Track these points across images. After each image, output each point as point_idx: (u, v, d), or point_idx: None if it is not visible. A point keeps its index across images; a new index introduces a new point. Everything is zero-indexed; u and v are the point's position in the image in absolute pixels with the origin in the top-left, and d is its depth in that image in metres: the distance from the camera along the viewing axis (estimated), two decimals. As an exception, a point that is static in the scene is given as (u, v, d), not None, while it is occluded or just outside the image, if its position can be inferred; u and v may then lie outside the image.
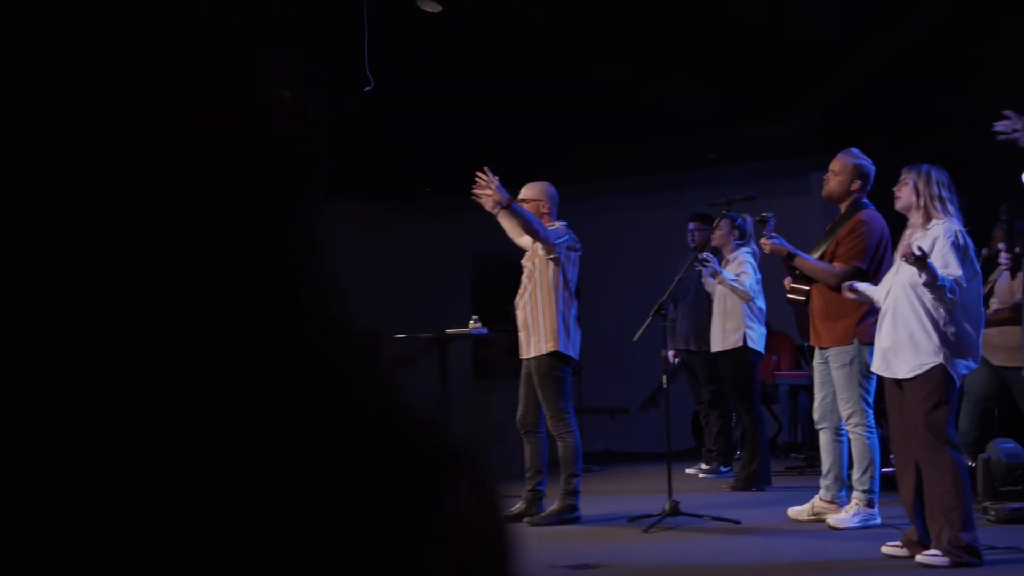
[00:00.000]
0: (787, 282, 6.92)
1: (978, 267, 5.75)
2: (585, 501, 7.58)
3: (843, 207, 6.73)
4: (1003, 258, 5.31)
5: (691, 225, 9.55)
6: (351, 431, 0.71)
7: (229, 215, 0.72)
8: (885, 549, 5.85)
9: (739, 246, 8.79)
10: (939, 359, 5.55)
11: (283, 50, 0.82)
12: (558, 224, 7.34)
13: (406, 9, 8.35)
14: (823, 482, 6.97)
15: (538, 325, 7.17)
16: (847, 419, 6.65)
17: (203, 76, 0.73)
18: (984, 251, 6.93)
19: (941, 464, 5.53)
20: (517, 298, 7.35)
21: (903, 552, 5.77)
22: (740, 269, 8.64)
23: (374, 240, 14.20)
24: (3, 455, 0.62)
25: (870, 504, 6.64)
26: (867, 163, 6.74)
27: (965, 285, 5.52)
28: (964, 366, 5.66)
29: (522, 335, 7.30)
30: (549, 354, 7.16)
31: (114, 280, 0.65)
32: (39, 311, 0.64)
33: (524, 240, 7.36)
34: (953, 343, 5.58)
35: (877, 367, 5.79)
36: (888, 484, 6.70)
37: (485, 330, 7.94)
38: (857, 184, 6.68)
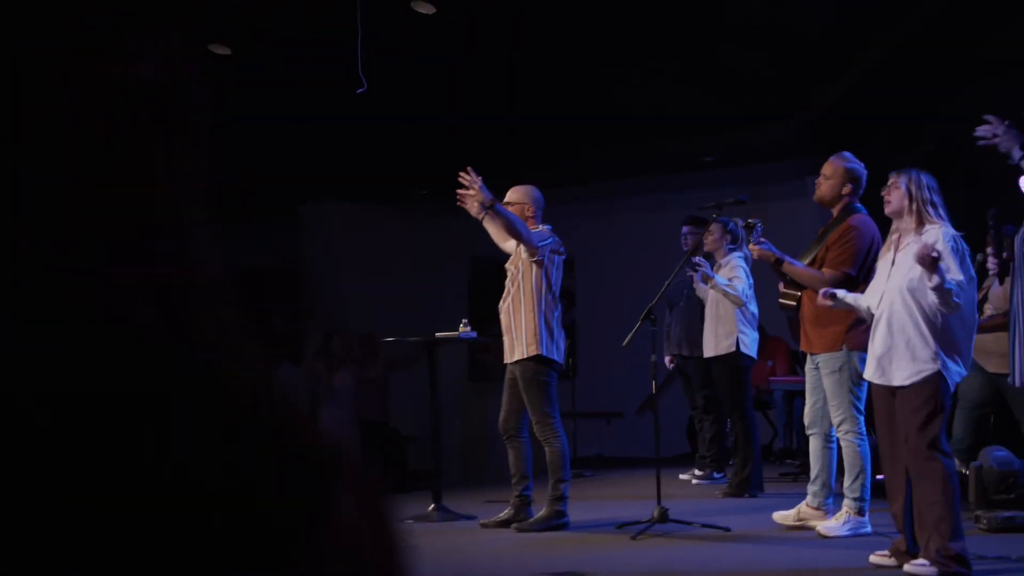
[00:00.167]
0: (781, 286, 6.86)
1: (973, 272, 5.69)
2: (575, 507, 7.53)
3: (835, 211, 6.66)
4: (991, 263, 5.26)
5: (684, 228, 9.50)
6: (220, 445, 0.68)
7: (87, 208, 0.69)
8: (873, 559, 5.79)
9: (731, 251, 8.73)
10: (936, 366, 5.49)
11: (151, 32, 0.80)
12: (542, 227, 7.29)
13: (401, 11, 8.33)
14: (810, 488, 6.90)
15: (521, 329, 7.12)
16: (838, 426, 6.58)
17: (51, 60, 0.71)
18: (979, 256, 6.87)
19: (932, 473, 5.46)
20: (501, 302, 7.30)
21: (891, 561, 5.70)
22: (732, 274, 8.59)
23: (372, 242, 14.19)
24: None
25: (860, 512, 6.57)
26: (859, 167, 6.67)
27: (965, 289, 5.49)
28: (958, 373, 5.60)
29: (506, 339, 7.26)
30: (533, 358, 7.10)
31: None
32: None
33: (509, 245, 7.32)
34: (949, 350, 5.52)
35: (871, 374, 5.70)
36: (878, 492, 6.63)
37: (475, 334, 7.88)
38: (849, 188, 6.61)
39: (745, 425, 8.64)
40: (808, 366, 6.79)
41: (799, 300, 6.60)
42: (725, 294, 8.50)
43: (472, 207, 7.13)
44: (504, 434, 7.37)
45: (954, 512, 5.45)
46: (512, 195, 7.37)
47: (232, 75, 9.47)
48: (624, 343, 7.01)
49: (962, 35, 8.48)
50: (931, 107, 9.47)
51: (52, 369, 0.65)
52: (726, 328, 8.62)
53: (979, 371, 7.29)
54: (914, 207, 5.63)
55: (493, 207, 6.94)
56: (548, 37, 8.92)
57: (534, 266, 7.13)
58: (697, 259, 8.47)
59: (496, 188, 7.37)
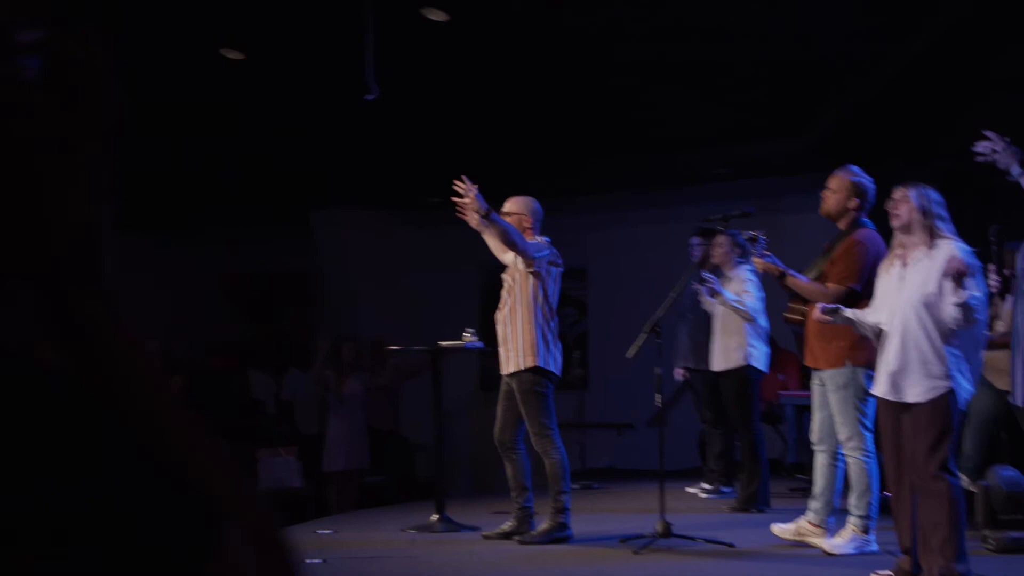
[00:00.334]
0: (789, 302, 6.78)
1: (985, 288, 5.63)
2: (580, 519, 7.47)
3: (841, 225, 6.58)
4: (993, 280, 5.21)
5: (694, 240, 9.44)
6: (102, 484, 0.65)
7: None
8: (876, 578, 5.71)
9: (740, 263, 8.67)
10: (949, 384, 5.43)
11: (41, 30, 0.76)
12: (540, 239, 7.22)
13: (412, 18, 8.30)
14: (812, 504, 6.79)
15: (518, 340, 7.06)
16: (845, 442, 6.48)
17: None
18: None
19: (939, 493, 5.39)
20: (497, 312, 7.25)
21: (894, 581, 5.63)
22: (742, 287, 8.53)
23: (383, 249, 14.18)
24: None
25: (866, 530, 6.47)
26: (866, 180, 6.58)
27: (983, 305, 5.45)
28: (967, 391, 5.53)
29: (501, 350, 7.20)
30: (529, 370, 7.04)
31: None
32: None
33: (508, 257, 7.26)
34: (961, 366, 5.46)
35: (884, 391, 5.61)
36: (884, 510, 6.54)
37: (481, 344, 7.83)
38: (855, 202, 6.52)
39: (752, 439, 8.57)
40: (814, 382, 6.70)
41: (805, 315, 6.51)
42: (735, 310, 8.44)
43: (472, 218, 7.08)
44: (500, 447, 7.31)
45: (959, 533, 5.38)
46: (510, 205, 7.32)
47: (244, 80, 9.46)
48: (628, 355, 6.93)
49: (975, 50, 8.40)
50: (945, 122, 9.38)
51: None
52: (736, 341, 8.56)
53: (990, 389, 7.20)
54: (925, 222, 5.56)
55: (488, 216, 6.88)
56: (563, 46, 8.87)
57: (531, 277, 7.07)
58: (707, 275, 8.43)
59: (507, 198, 7.34)
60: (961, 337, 5.46)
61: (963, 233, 5.64)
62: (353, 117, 9.89)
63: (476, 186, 6.96)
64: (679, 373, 9.76)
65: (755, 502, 8.47)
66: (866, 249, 6.38)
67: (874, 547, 6.45)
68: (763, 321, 8.57)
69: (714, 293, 8.41)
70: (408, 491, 11.44)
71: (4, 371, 0.63)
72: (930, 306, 5.42)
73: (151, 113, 10.01)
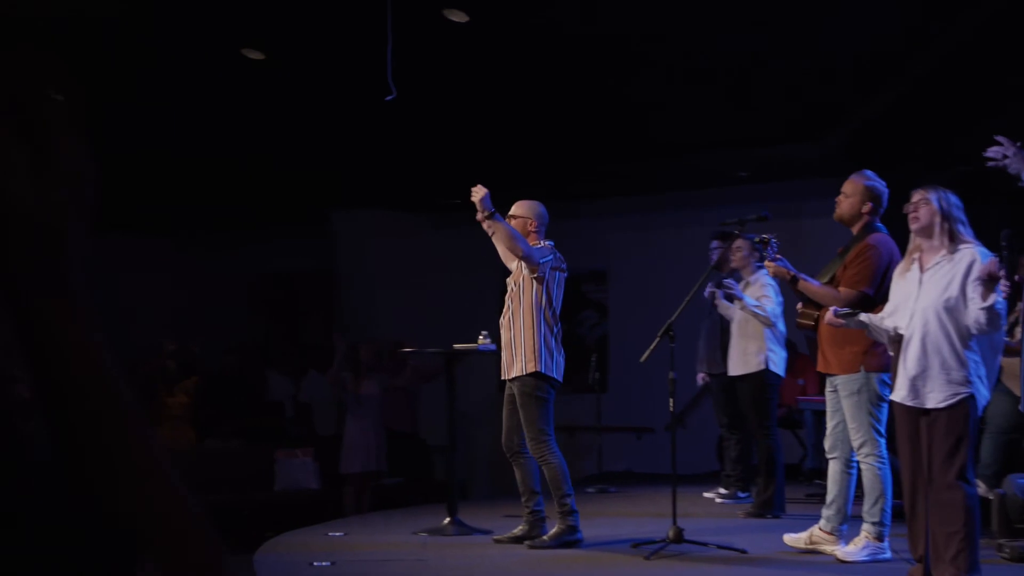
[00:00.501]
0: (799, 306, 6.72)
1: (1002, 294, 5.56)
2: (593, 524, 7.43)
3: (855, 229, 6.53)
4: (1003, 285, 5.16)
5: (714, 243, 9.39)
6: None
7: None
8: (888, 586, 5.65)
9: (759, 268, 8.61)
10: (969, 389, 5.37)
11: None
12: (544, 243, 7.18)
13: (434, 19, 8.28)
14: (825, 512, 6.73)
15: (520, 345, 7.02)
16: (859, 449, 6.42)
17: None
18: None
19: (954, 502, 5.32)
20: (501, 317, 7.21)
21: (906, 590, 5.57)
22: (761, 292, 8.49)
23: (404, 251, 14.17)
24: None
25: (880, 537, 6.40)
26: (880, 185, 6.53)
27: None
28: (984, 397, 5.48)
29: (504, 355, 7.15)
30: (531, 375, 6.99)
31: None
32: None
33: (514, 262, 7.23)
34: (980, 371, 5.40)
35: (903, 396, 5.54)
36: (897, 517, 6.47)
37: (494, 346, 7.79)
38: (869, 206, 6.47)
39: (769, 444, 8.52)
40: (827, 388, 6.64)
41: (817, 319, 6.45)
42: (755, 315, 8.39)
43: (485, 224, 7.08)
44: (508, 452, 7.27)
45: (973, 543, 5.31)
46: (516, 209, 7.28)
47: (265, 81, 9.47)
48: (642, 359, 6.89)
49: (997, 56, 8.33)
50: (965, 127, 9.30)
51: None
52: (755, 346, 8.51)
53: (1009, 396, 7.12)
54: (946, 226, 5.51)
55: (492, 217, 6.86)
56: (584, 47, 8.84)
57: (534, 282, 7.03)
58: (728, 280, 8.39)
59: (524, 199, 7.32)
60: (980, 342, 5.40)
61: (981, 237, 5.58)
62: (374, 118, 9.88)
63: (487, 190, 6.95)
64: (702, 377, 9.70)
65: (770, 508, 8.42)
66: (879, 253, 6.32)
67: (888, 554, 6.38)
68: (782, 325, 8.52)
69: (733, 298, 8.36)
70: (426, 493, 11.40)
71: None
72: (952, 310, 5.36)
73: (171, 115, 10.05)
